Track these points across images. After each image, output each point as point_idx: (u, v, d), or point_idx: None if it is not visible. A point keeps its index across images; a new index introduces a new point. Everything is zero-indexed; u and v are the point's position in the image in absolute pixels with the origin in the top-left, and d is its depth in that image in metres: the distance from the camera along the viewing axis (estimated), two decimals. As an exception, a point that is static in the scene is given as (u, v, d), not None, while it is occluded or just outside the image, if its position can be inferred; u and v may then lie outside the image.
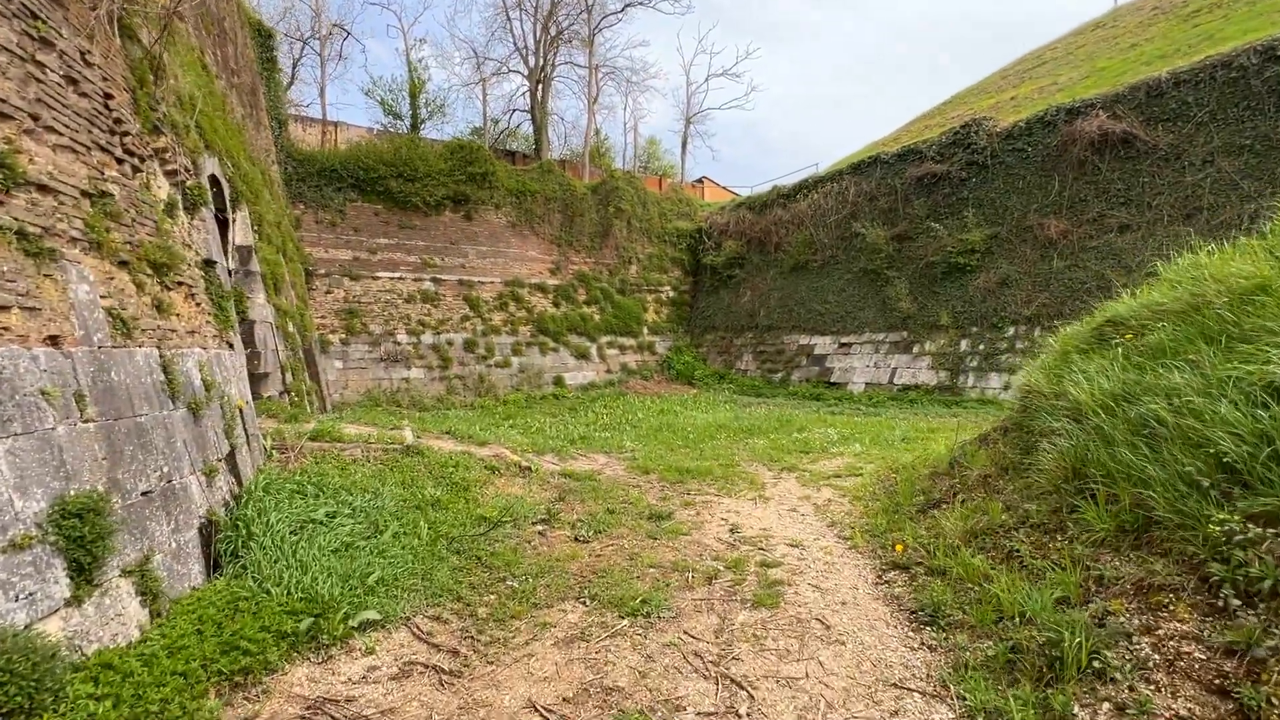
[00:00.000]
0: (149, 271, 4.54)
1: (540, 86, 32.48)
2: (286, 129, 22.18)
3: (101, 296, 3.87)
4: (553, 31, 31.87)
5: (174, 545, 4.01)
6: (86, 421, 3.42)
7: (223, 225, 8.99)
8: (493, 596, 4.55)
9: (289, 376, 10.60)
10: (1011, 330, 15.73)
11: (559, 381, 23.68)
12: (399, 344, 21.29)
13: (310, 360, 15.94)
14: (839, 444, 10.38)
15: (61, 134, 3.81)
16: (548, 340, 24.11)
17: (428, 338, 21.85)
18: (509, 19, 32.17)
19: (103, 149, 4.28)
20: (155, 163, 5.60)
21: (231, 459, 5.51)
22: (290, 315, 12.65)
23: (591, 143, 35.15)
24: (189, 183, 6.42)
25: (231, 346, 6.59)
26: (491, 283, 23.72)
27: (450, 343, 22.19)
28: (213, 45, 13.69)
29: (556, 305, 24.90)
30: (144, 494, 3.81)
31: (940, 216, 18.33)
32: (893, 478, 6.84)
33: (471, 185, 23.56)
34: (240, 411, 6.23)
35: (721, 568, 4.98)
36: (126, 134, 4.68)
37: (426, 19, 55.86)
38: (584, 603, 4.40)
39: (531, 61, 32.33)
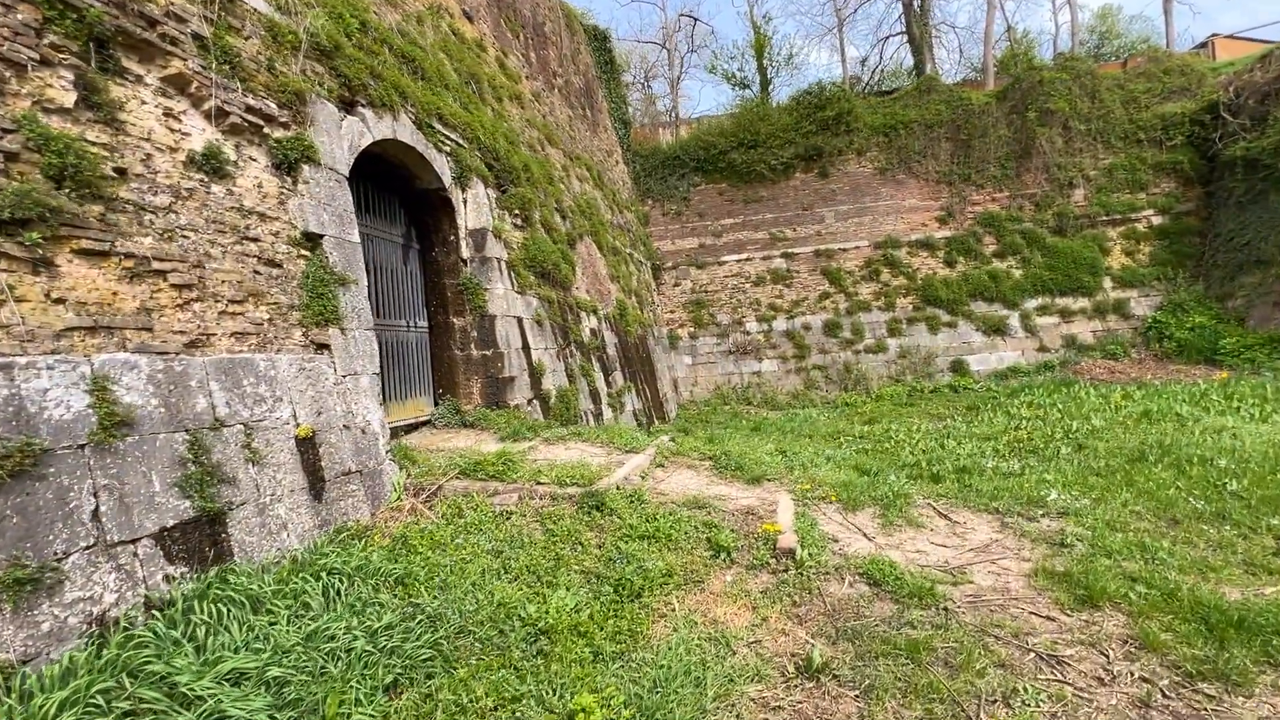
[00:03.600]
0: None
1: (918, -5, 25.53)
2: (634, 129, 22.42)
3: None
4: (929, -86, 24.61)
5: None
6: None
7: (445, 204, 7.68)
8: None
9: (550, 380, 8.91)
10: None
11: (959, 367, 17.22)
12: (748, 334, 18.74)
13: (640, 358, 14.71)
14: None
15: None
16: (939, 313, 17.88)
17: (780, 324, 18.66)
18: (871, -71, 26.31)
19: None
20: (156, 92, 3.94)
21: (205, 530, 3.37)
22: (583, 306, 11.25)
23: (999, 48, 26.01)
24: (278, 135, 4.78)
25: (325, 348, 4.68)
26: (856, 248, 18.94)
27: (806, 327, 18.46)
28: (524, 47, 13.60)
29: (950, 264, 18.35)
30: None
31: None
32: None
33: (823, 135, 19.31)
34: (305, 442, 4.18)
35: None
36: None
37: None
38: None
39: (903, -34, 25.72)
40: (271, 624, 3.01)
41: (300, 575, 3.45)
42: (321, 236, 4.91)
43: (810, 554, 4.15)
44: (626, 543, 4.25)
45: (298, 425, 4.15)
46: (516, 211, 9.21)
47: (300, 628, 2.97)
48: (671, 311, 19.40)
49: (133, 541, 3.01)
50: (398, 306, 7.36)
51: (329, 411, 4.48)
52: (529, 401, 8.14)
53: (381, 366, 6.99)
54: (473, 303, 7.82)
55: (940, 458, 7.60)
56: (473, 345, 7.86)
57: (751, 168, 19.53)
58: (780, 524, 4.56)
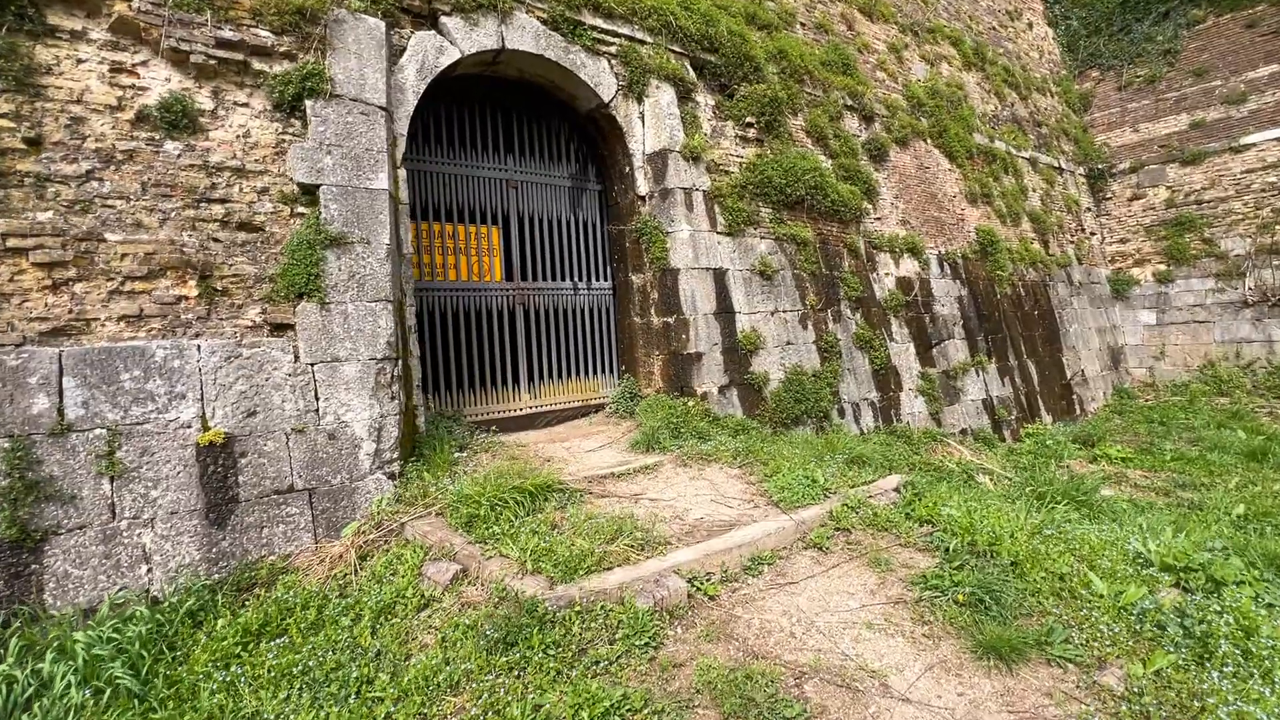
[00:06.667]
0: None
1: None
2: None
3: None
4: None
5: None
6: None
7: (612, 125, 5.82)
8: None
9: (773, 357, 6.09)
10: None
11: None
12: (1293, 270, 10.38)
13: (1026, 318, 9.70)
14: None
15: None
16: None
17: (1385, 247, 9.65)
18: None
19: None
20: (105, 46, 3.49)
21: (4, 559, 2.80)
22: (886, 244, 7.57)
23: None
24: (278, 70, 3.94)
25: (284, 329, 3.68)
26: None
27: None
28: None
29: None
30: None
31: None
32: None
33: None
34: (212, 450, 3.32)
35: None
36: None
37: None
38: None
39: None
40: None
41: (37, 654, 2.56)
42: (317, 187, 3.91)
43: None
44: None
45: (205, 429, 3.30)
46: (749, 120, 6.58)
47: None
48: (1121, 241, 12.39)
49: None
50: (559, 264, 6.03)
51: (270, 411, 3.51)
52: (722, 389, 5.72)
53: (526, 339, 5.85)
54: (651, 253, 5.85)
55: None
56: (653, 310, 5.93)
57: (1332, -45, 10.38)
58: None
